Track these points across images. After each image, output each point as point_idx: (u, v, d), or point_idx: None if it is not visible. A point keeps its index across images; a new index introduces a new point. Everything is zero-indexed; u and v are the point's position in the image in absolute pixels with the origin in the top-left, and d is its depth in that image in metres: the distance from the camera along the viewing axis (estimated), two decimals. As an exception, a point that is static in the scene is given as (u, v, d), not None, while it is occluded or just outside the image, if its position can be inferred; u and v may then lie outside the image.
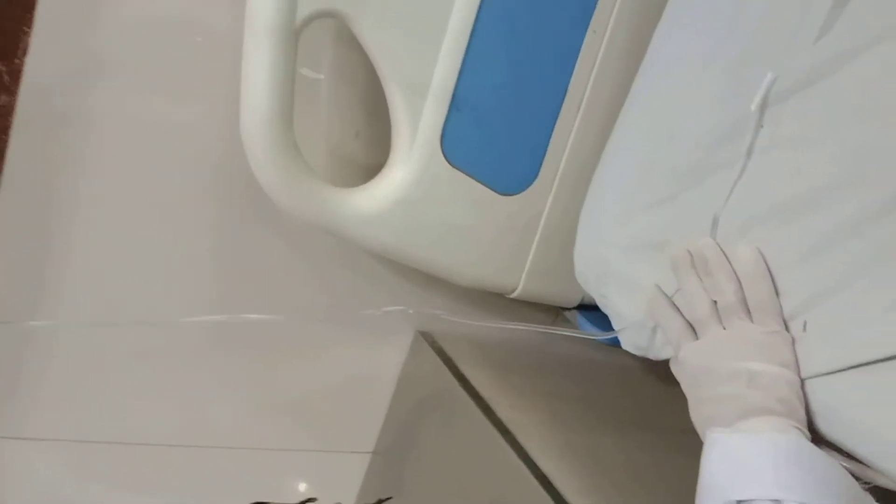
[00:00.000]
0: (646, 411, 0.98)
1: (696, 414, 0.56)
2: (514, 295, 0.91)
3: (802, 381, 0.53)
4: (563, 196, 0.86)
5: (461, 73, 0.75)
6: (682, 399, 0.57)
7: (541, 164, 0.84)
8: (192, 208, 0.86)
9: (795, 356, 0.53)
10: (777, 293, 0.55)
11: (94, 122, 0.80)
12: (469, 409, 0.84)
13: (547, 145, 0.83)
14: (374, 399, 1.05)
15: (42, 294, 0.84)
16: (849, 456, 0.51)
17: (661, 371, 1.09)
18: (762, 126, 0.57)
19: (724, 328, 0.56)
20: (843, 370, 0.50)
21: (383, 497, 0.77)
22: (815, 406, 0.52)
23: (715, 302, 0.57)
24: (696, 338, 0.58)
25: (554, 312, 1.10)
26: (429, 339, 1.00)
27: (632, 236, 0.67)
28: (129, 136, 0.81)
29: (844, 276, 0.50)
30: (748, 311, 0.56)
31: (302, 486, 1.07)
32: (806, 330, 0.53)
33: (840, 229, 0.50)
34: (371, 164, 0.85)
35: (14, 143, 0.77)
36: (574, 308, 0.98)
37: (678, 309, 0.61)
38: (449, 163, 0.79)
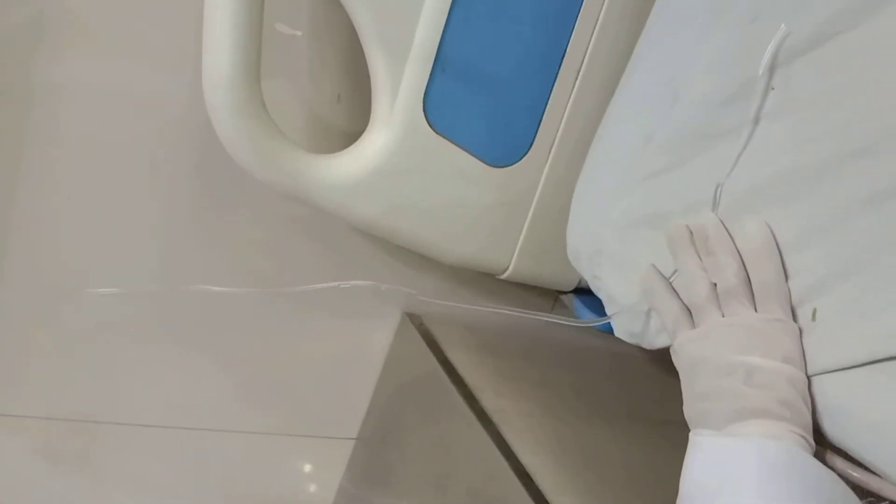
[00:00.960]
0: (644, 404, 0.92)
1: (690, 410, 0.50)
2: (504, 276, 0.86)
3: (809, 379, 0.47)
4: (558, 169, 0.80)
5: (446, 29, 0.69)
6: (681, 392, 0.52)
7: (535, 134, 0.78)
8: (167, 178, 0.82)
9: (801, 349, 0.47)
10: (785, 276, 0.49)
11: (58, 88, 0.75)
12: (451, 396, 0.79)
13: (542, 113, 0.77)
14: (360, 383, 1.01)
15: (4, 265, 0.80)
16: (859, 464, 0.45)
17: (662, 361, 1.04)
18: (772, 89, 0.51)
19: (724, 315, 0.50)
20: (856, 366, 0.44)
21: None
22: (823, 406, 0.46)
23: (715, 285, 0.51)
24: (694, 325, 0.52)
25: (552, 297, 1.04)
26: (416, 322, 0.95)
27: (628, 211, 0.62)
28: (93, 100, 0.76)
29: (860, 257, 0.44)
30: (751, 296, 0.50)
31: (283, 472, 1.04)
32: (815, 319, 0.47)
33: (856, 203, 0.45)
34: (354, 132, 0.79)
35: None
36: (570, 292, 0.92)
37: (675, 292, 0.55)
38: (433, 129, 0.74)
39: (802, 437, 0.45)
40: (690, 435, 0.46)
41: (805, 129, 0.49)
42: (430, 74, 0.71)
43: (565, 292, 0.93)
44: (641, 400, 0.93)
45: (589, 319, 0.66)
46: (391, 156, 0.73)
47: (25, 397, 0.88)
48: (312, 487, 1.04)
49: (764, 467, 0.42)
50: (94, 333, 0.87)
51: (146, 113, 0.78)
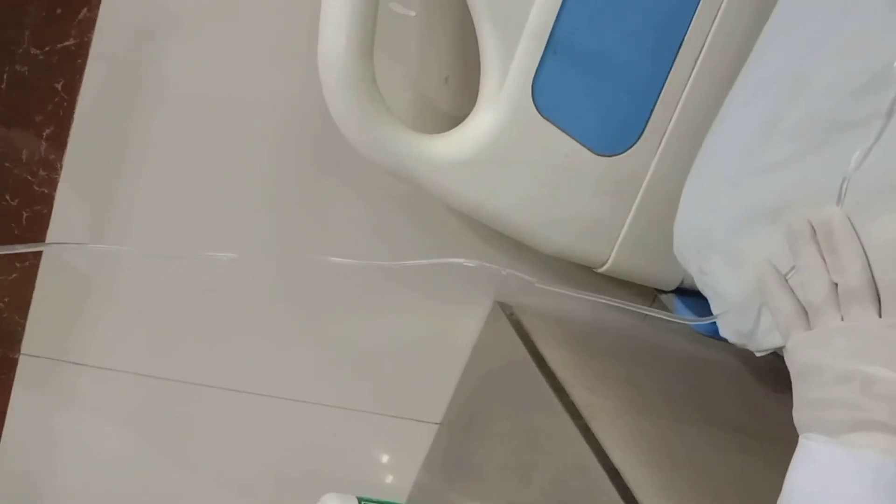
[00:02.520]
0: (735, 413, 0.90)
1: (800, 416, 0.49)
2: (602, 269, 0.85)
3: None
4: (668, 160, 0.78)
5: (562, 9, 0.69)
6: (775, 404, 0.51)
7: (646, 123, 0.77)
8: (265, 152, 0.85)
9: None
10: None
11: (168, 61, 0.80)
12: (541, 388, 0.80)
13: (655, 101, 0.76)
14: (447, 367, 1.02)
15: (111, 222, 0.85)
16: None
17: (758, 372, 1.02)
18: (910, 81, 0.48)
19: (843, 317, 0.48)
20: None
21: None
22: None
23: (836, 286, 0.49)
24: (809, 326, 0.50)
25: (650, 296, 1.02)
26: (507, 311, 0.95)
27: (744, 203, 0.60)
28: (205, 75, 0.81)
29: None
30: (876, 299, 0.47)
31: (365, 450, 1.06)
32: None
33: None
34: (460, 116, 0.80)
35: (90, 72, 0.78)
36: (671, 292, 0.90)
37: (791, 290, 0.53)
38: (540, 113, 0.74)
39: None
40: (801, 438, 0.44)
41: None
42: (542, 56, 0.71)
43: (665, 292, 0.91)
44: (731, 409, 0.90)
45: (695, 317, 0.64)
46: (496, 138, 0.74)
47: (125, 352, 0.93)
48: (392, 467, 1.06)
49: (879, 484, 0.40)
50: (198, 297, 0.92)
51: (262, 96, 0.82)
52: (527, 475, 0.77)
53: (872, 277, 0.48)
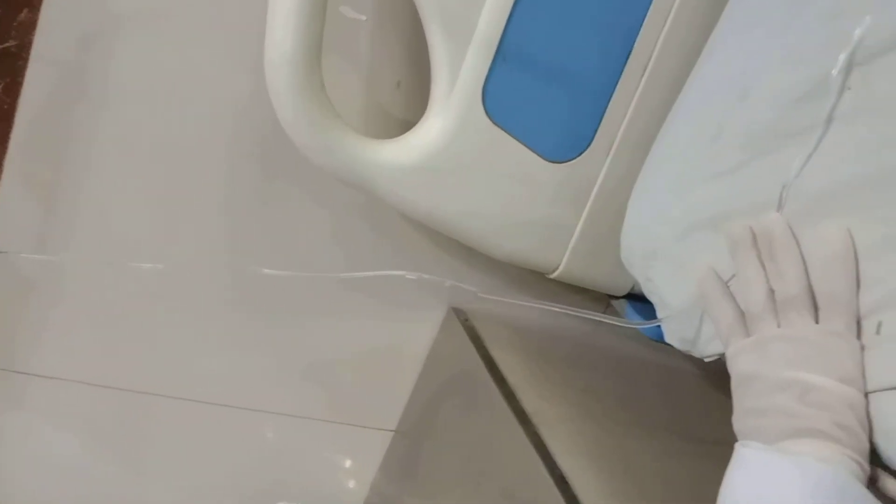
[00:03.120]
0: (689, 420, 0.90)
1: (739, 424, 0.49)
2: (554, 275, 0.84)
3: (868, 397, 0.44)
4: (618, 167, 0.78)
5: (511, 17, 0.69)
6: (731, 409, 0.51)
7: (596, 131, 0.77)
8: (214, 157, 0.84)
9: (862, 368, 0.45)
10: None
11: (112, 64, 0.78)
12: (492, 394, 0.79)
13: (605, 109, 0.76)
14: (402, 374, 1.01)
15: (51, 230, 0.83)
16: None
17: (712, 377, 1.02)
18: (848, 89, 0.49)
19: (779, 325, 0.48)
20: (923, 384, 0.42)
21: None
22: (882, 426, 0.44)
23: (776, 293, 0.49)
24: (749, 334, 0.50)
25: (604, 302, 1.02)
26: (461, 317, 0.94)
27: (688, 211, 0.60)
28: (150, 79, 0.79)
29: None
30: (812, 306, 0.48)
31: (319, 458, 1.04)
32: (880, 332, 0.45)
33: None
34: (412, 121, 0.80)
35: (31, 74, 0.75)
36: (623, 297, 0.90)
37: (732, 297, 0.53)
38: (490, 119, 0.73)
39: (857, 462, 0.42)
40: (737, 446, 0.44)
41: (882, 133, 0.46)
42: (492, 63, 0.71)
43: (617, 297, 0.91)
44: (687, 415, 0.90)
45: (639, 321, 0.64)
46: (446, 144, 0.73)
47: (72, 361, 0.90)
48: (347, 476, 1.05)
49: (812, 492, 0.40)
50: (146, 306, 0.90)
51: (211, 101, 0.80)
52: (477, 483, 0.76)
53: (810, 284, 0.48)
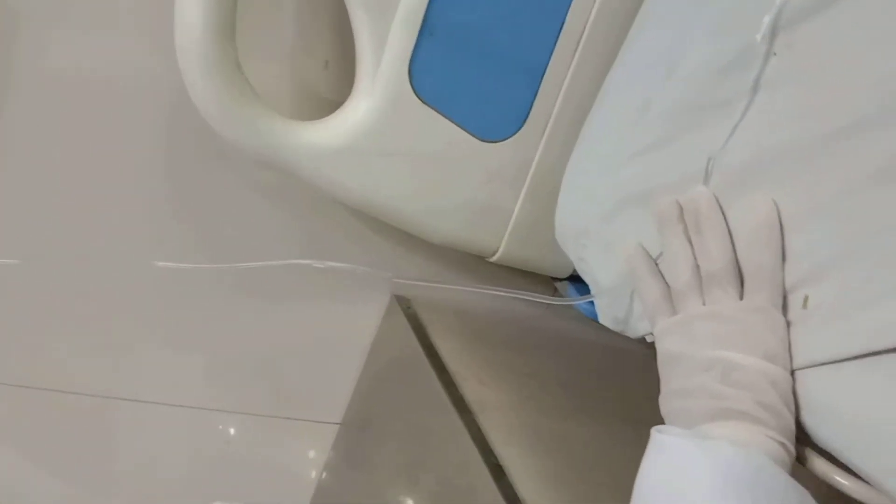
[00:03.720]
0: (637, 403, 0.88)
1: (665, 406, 0.47)
2: (494, 258, 0.82)
3: (794, 373, 0.43)
4: (555, 145, 0.76)
5: (435, -10, 0.66)
6: None
7: (530, 108, 0.74)
8: (139, 146, 0.79)
9: (787, 344, 0.43)
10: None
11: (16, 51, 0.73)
12: (432, 383, 0.76)
13: (538, 85, 0.73)
14: (346, 365, 0.98)
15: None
16: (845, 468, 0.41)
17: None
18: (773, 55, 0.47)
19: (704, 302, 0.46)
20: (848, 360, 0.40)
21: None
22: (808, 403, 0.42)
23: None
24: (675, 312, 0.49)
25: (551, 285, 1.00)
26: (404, 305, 0.91)
27: (617, 188, 0.58)
28: (58, 68, 0.74)
29: (863, 239, 0.40)
30: (738, 281, 0.46)
31: (265, 455, 1.01)
32: (807, 306, 0.43)
33: (863, 179, 0.40)
34: (343, 102, 0.76)
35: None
36: (566, 279, 0.88)
37: (660, 274, 0.52)
38: (419, 98, 0.70)
39: (781, 443, 0.41)
40: (653, 431, 0.42)
41: (809, 99, 0.45)
42: (417, 39, 0.68)
43: (560, 279, 0.89)
44: (634, 398, 0.87)
45: (570, 298, 0.62)
46: (373, 125, 0.70)
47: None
48: (293, 472, 1.02)
49: (722, 478, 0.38)
50: (73, 304, 0.85)
51: (123, 83, 0.76)
52: (416, 475, 0.74)
53: (736, 259, 0.46)
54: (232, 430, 0.98)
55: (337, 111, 0.71)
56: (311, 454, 1.02)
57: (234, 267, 0.76)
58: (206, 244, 0.85)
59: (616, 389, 0.93)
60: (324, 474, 1.01)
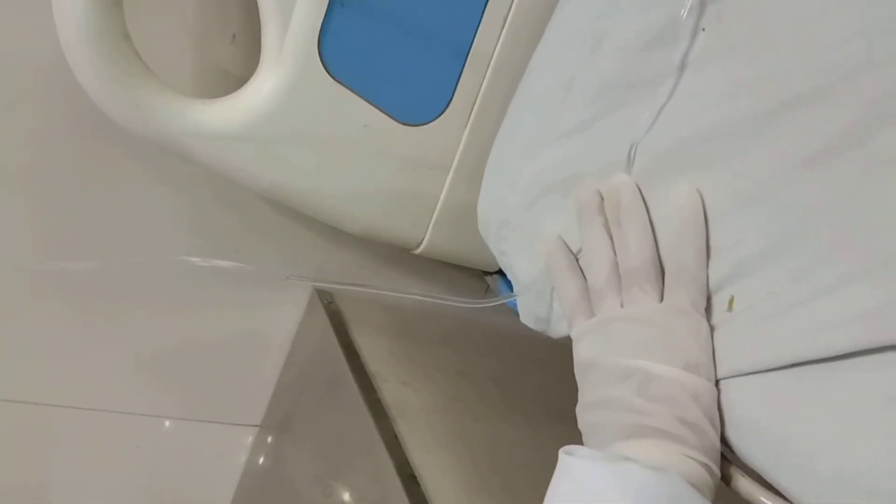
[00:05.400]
0: (573, 403, 0.85)
1: (580, 420, 0.43)
2: (419, 251, 0.77)
3: (718, 384, 0.39)
4: (482, 129, 0.71)
5: (345, -45, 0.60)
6: None
7: (454, 89, 0.69)
8: (16, 128, 0.72)
9: (711, 351, 0.39)
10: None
11: None
12: (348, 385, 0.71)
13: (463, 64, 0.68)
14: (266, 364, 0.92)
15: None
16: (772, 488, 0.37)
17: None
18: (702, 30, 0.43)
19: (623, 303, 0.42)
20: (775, 369, 0.36)
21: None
22: (732, 416, 0.39)
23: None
24: (593, 313, 0.44)
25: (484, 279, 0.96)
26: (325, 299, 0.86)
27: (538, 175, 0.54)
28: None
29: (795, 231, 0.37)
30: (660, 280, 0.42)
31: (179, 459, 0.95)
32: (732, 309, 0.39)
33: (795, 164, 0.37)
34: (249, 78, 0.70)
35: None
36: (496, 273, 0.85)
37: (580, 271, 0.48)
38: (331, 76, 0.64)
39: (703, 464, 0.37)
40: (560, 452, 0.38)
41: (738, 76, 0.41)
42: (328, 9, 0.62)
43: (491, 273, 0.85)
44: (570, 398, 0.85)
45: (488, 299, 0.58)
46: (280, 105, 0.64)
47: None
48: (210, 478, 0.96)
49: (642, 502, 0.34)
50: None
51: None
52: (329, 484, 0.69)
53: (658, 254, 0.42)
54: (145, 434, 0.91)
55: (240, 89, 0.65)
56: (229, 458, 0.96)
57: (108, 265, 0.70)
58: (95, 241, 0.78)
59: (554, 387, 0.88)
60: (242, 480, 0.95)
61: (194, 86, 0.74)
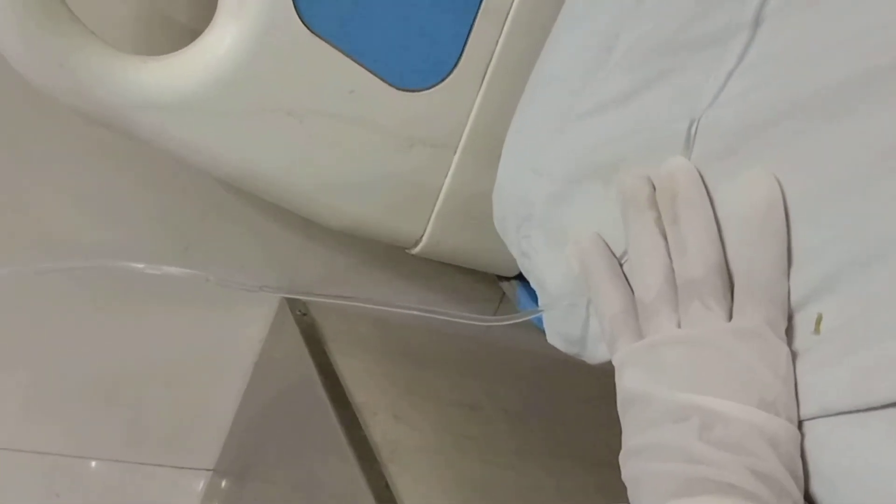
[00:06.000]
0: (609, 442, 0.86)
1: (624, 469, 0.43)
2: (416, 250, 0.79)
3: (802, 426, 0.39)
4: (498, 96, 0.72)
5: None
6: None
7: (463, 46, 0.70)
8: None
9: (794, 383, 0.40)
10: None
11: None
12: (327, 419, 0.73)
13: (475, 15, 0.69)
14: (221, 393, 0.95)
15: None
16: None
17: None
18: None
19: (680, 321, 0.43)
20: (879, 408, 0.36)
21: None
22: (821, 468, 0.39)
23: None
24: (641, 334, 0.45)
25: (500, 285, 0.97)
26: (297, 311, 0.88)
27: (570, 157, 0.55)
28: None
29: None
30: (728, 293, 0.42)
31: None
32: (819, 331, 0.39)
33: None
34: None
35: None
36: (514, 277, 0.86)
37: (625, 279, 0.48)
38: (309, 29, 0.65)
39: None
40: None
41: (831, 31, 0.40)
42: (304, -57, 0.63)
43: (508, 278, 0.86)
44: (599, 437, 0.86)
45: (499, 317, 0.59)
46: (243, 64, 0.65)
47: None
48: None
49: None
50: None
51: None
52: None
53: (725, 261, 0.43)
54: (64, 479, 0.93)
55: (192, 43, 0.66)
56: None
57: (26, 271, 0.71)
58: (9, 241, 0.80)
59: (588, 424, 0.92)
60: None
61: (134, 39, 0.76)
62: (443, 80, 0.71)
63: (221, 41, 0.64)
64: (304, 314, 0.87)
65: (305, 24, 0.65)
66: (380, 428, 0.72)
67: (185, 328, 0.90)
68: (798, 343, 0.40)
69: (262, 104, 0.67)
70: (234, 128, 0.67)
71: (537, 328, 0.69)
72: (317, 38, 0.65)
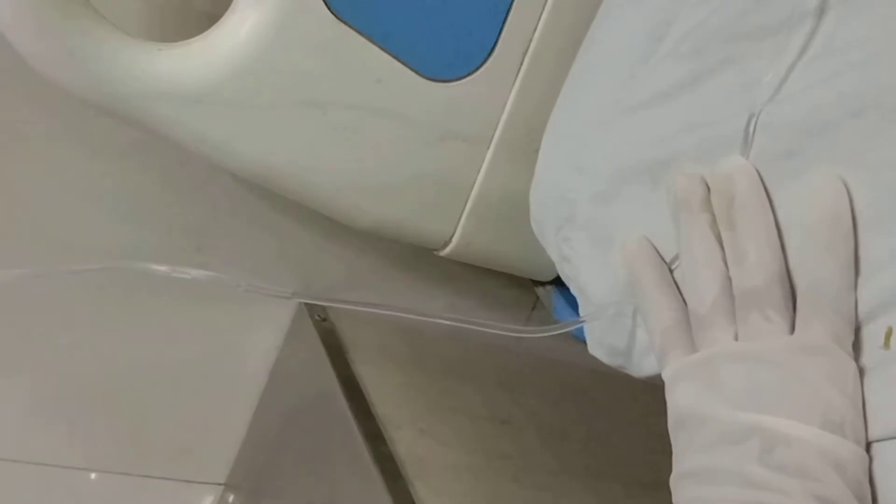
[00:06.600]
0: (658, 461, 0.88)
1: (675, 495, 0.44)
2: (446, 252, 0.80)
3: (870, 448, 0.40)
4: (536, 88, 0.73)
5: None
6: None
7: (499, 33, 0.71)
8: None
9: (861, 402, 0.40)
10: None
11: None
12: (349, 432, 0.74)
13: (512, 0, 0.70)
14: (233, 404, 0.96)
15: None
16: None
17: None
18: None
19: (738, 334, 0.43)
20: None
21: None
22: (890, 491, 0.39)
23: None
24: (694, 348, 0.46)
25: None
26: (316, 316, 0.89)
27: (615, 153, 0.56)
28: None
29: None
30: (790, 305, 0.43)
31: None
32: (890, 345, 0.40)
33: None
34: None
35: None
36: (550, 283, 0.86)
37: (676, 287, 0.49)
38: (334, 14, 0.66)
39: None
40: None
41: None
42: (330, -77, 0.64)
43: (544, 283, 0.87)
44: (646, 455, 0.88)
45: (536, 328, 0.60)
46: (263, 52, 0.66)
47: None
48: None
49: None
50: None
51: None
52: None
53: (787, 269, 0.43)
54: (62, 492, 0.95)
55: (209, 30, 0.67)
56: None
57: (37, 274, 0.72)
58: (19, 242, 0.82)
59: (635, 443, 0.93)
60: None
61: (148, 25, 0.77)
62: (476, 69, 0.72)
63: (241, 27, 0.66)
64: (324, 319, 0.89)
65: (330, 9, 0.66)
66: (405, 443, 0.73)
67: (195, 333, 0.92)
68: (866, 359, 0.41)
69: (282, 95, 0.68)
70: (253, 120, 0.69)
71: (576, 337, 0.70)
72: (342, 24, 0.67)
